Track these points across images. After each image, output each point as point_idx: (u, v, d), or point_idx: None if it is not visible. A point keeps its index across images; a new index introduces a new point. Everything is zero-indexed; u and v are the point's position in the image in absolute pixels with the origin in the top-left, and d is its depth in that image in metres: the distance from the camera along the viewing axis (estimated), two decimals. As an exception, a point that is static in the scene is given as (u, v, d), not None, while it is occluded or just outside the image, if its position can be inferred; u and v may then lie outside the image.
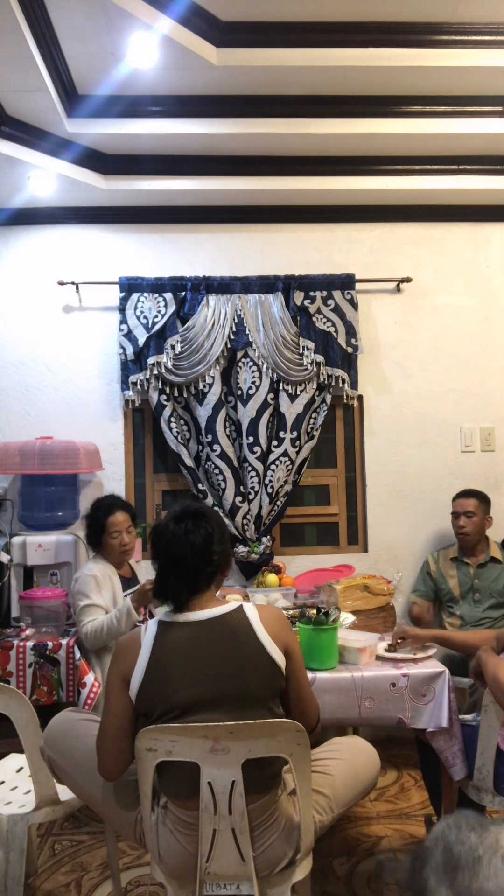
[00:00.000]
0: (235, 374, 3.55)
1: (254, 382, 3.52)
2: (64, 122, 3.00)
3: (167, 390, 3.53)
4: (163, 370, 3.48)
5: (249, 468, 3.51)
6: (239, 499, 3.50)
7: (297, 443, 3.54)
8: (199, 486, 3.53)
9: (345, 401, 3.67)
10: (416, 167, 3.49)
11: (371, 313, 3.75)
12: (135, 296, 3.54)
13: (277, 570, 3.44)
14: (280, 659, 1.69)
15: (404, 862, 1.38)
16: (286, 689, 1.74)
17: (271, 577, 3.36)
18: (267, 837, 1.63)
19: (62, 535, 3.30)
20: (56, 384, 3.64)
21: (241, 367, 3.53)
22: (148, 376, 3.50)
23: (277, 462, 3.51)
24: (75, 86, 2.96)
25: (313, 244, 3.75)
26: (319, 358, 3.54)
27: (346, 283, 3.62)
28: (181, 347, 3.49)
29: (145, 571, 3.34)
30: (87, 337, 3.66)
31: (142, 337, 3.50)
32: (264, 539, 3.51)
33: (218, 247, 3.71)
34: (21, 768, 2.37)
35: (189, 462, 3.52)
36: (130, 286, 3.55)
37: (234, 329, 3.52)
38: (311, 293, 3.58)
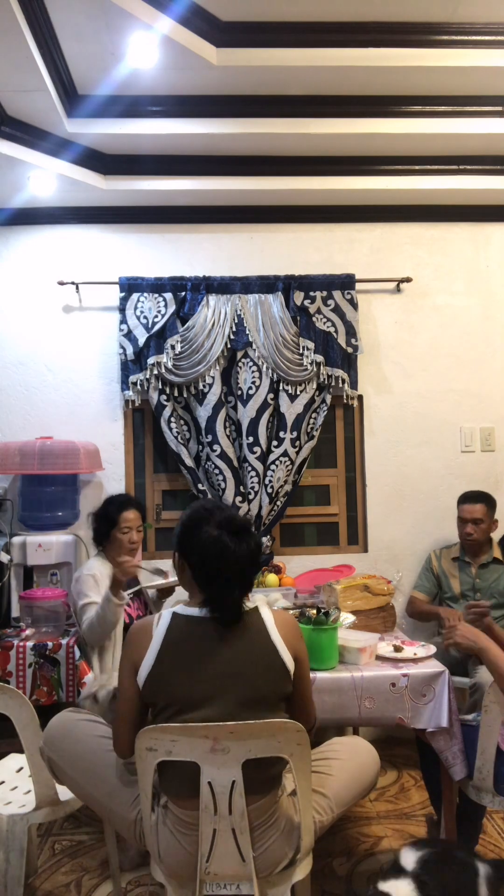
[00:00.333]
0: (235, 374, 3.55)
1: (254, 382, 3.52)
2: (64, 122, 3.00)
3: (167, 390, 3.53)
4: (163, 370, 3.48)
5: (249, 468, 3.51)
6: (239, 499, 3.50)
7: (297, 443, 3.54)
8: (199, 486, 3.53)
9: (345, 401, 3.67)
10: (416, 167, 3.49)
11: (371, 313, 3.75)
12: (135, 296, 3.54)
13: (277, 570, 3.44)
14: (290, 663, 1.69)
15: None
16: (292, 695, 1.75)
17: (271, 577, 3.36)
18: (267, 837, 1.63)
19: (62, 535, 3.30)
20: (56, 384, 3.64)
21: (241, 367, 3.53)
22: (148, 376, 3.50)
23: (277, 462, 3.51)
24: (75, 86, 2.96)
25: (313, 244, 3.75)
26: (319, 358, 3.54)
27: (346, 283, 3.62)
28: (181, 347, 3.49)
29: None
30: (87, 337, 3.66)
31: (142, 337, 3.50)
32: (264, 539, 3.51)
33: (218, 247, 3.71)
34: (21, 768, 2.37)
35: (189, 462, 3.52)
36: (130, 286, 3.55)
37: (234, 329, 3.52)
38: (311, 293, 3.58)
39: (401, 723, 2.20)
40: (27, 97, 2.77)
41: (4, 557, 3.20)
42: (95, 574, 2.82)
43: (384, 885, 1.46)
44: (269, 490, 3.51)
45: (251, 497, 3.51)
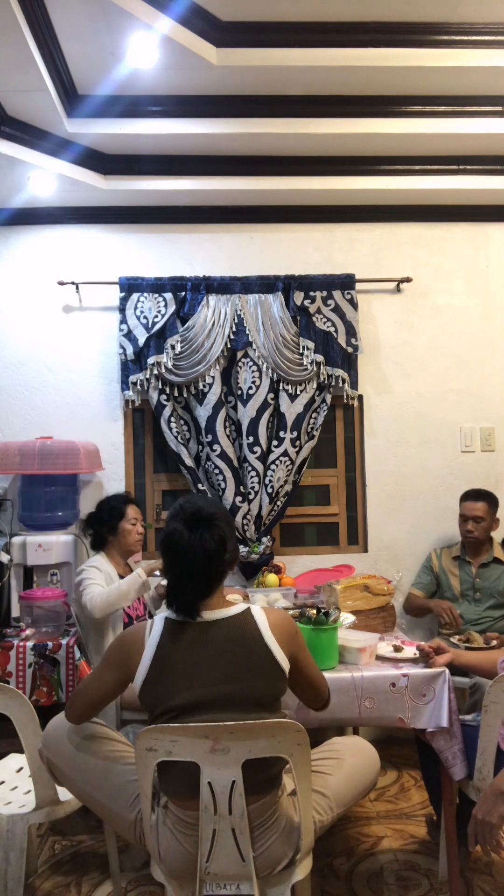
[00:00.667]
0: (235, 374, 3.55)
1: (254, 382, 3.52)
2: (64, 122, 3.00)
3: (167, 390, 3.53)
4: (163, 370, 3.48)
5: (249, 468, 3.51)
6: (239, 499, 3.50)
7: (297, 443, 3.54)
8: (199, 486, 3.53)
9: (345, 401, 3.67)
10: (416, 167, 3.49)
11: (371, 313, 3.75)
12: (135, 296, 3.54)
13: (277, 570, 3.44)
14: (285, 663, 1.69)
15: None
16: (299, 680, 1.77)
17: (271, 577, 3.36)
18: (267, 837, 1.63)
19: (62, 535, 3.30)
20: (56, 384, 3.64)
21: (241, 367, 3.53)
22: (148, 376, 3.50)
23: (277, 462, 3.51)
24: (75, 86, 2.96)
25: (313, 244, 3.75)
26: (319, 358, 3.54)
27: (346, 283, 3.62)
28: (181, 347, 3.49)
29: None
30: (87, 337, 3.66)
31: (142, 337, 3.50)
32: (264, 539, 3.51)
33: (218, 247, 3.71)
34: (21, 768, 2.37)
35: (189, 462, 3.52)
36: (130, 286, 3.55)
37: (234, 329, 3.52)
38: (311, 293, 3.58)
39: (401, 723, 2.20)
40: (27, 97, 2.77)
41: (4, 557, 3.20)
42: (99, 567, 2.82)
43: None
44: (270, 490, 3.51)
45: (251, 497, 3.51)
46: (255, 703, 1.64)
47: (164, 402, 3.52)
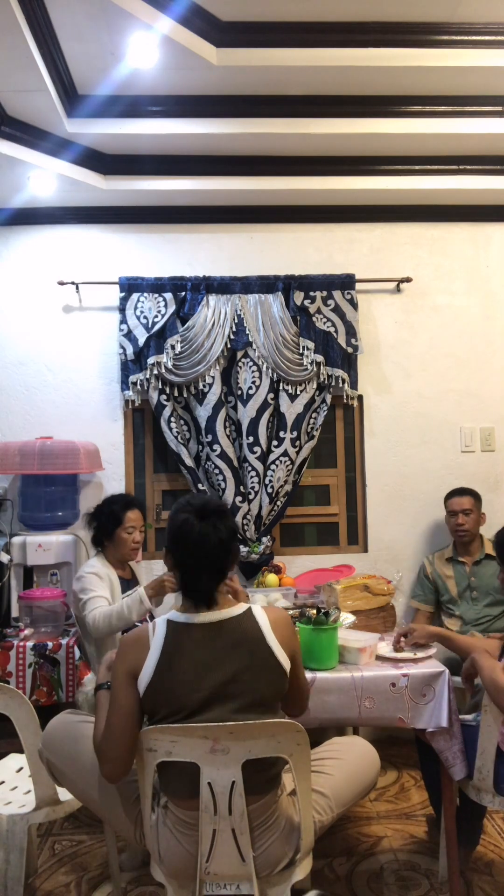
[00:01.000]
0: (235, 374, 3.55)
1: (254, 382, 3.52)
2: (64, 122, 3.00)
3: (167, 390, 3.53)
4: (163, 370, 3.48)
5: (249, 468, 3.51)
6: (239, 499, 3.50)
7: (297, 443, 3.54)
8: (199, 486, 3.53)
9: (345, 401, 3.67)
10: (416, 167, 3.49)
11: (371, 313, 3.75)
12: (135, 296, 3.54)
13: (277, 570, 3.44)
14: (286, 663, 1.70)
15: None
16: (291, 680, 1.76)
17: (271, 577, 3.36)
18: (267, 838, 1.63)
19: (62, 535, 3.30)
20: (56, 384, 3.64)
21: (241, 367, 3.53)
22: (148, 376, 3.50)
23: (277, 462, 3.51)
24: (75, 86, 2.96)
25: (313, 244, 3.75)
26: (319, 358, 3.54)
27: (346, 283, 3.62)
28: (181, 347, 3.49)
29: (145, 573, 3.34)
30: (87, 337, 3.66)
31: (142, 337, 3.50)
32: (264, 539, 3.51)
33: (218, 247, 3.71)
34: (21, 768, 2.37)
35: (189, 462, 3.52)
36: (130, 286, 3.55)
37: (234, 329, 3.52)
38: (311, 293, 3.58)
39: (401, 723, 2.20)
40: (27, 97, 2.77)
41: (4, 557, 3.20)
42: (98, 572, 2.81)
43: None
44: (270, 490, 3.51)
45: (251, 497, 3.51)
46: (259, 703, 1.64)
47: (164, 402, 3.52)
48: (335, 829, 2.60)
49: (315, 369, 3.54)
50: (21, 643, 2.84)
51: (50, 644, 2.83)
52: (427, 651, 2.37)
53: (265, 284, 3.58)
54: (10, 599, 3.24)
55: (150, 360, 3.49)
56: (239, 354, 3.53)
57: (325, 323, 3.57)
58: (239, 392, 3.54)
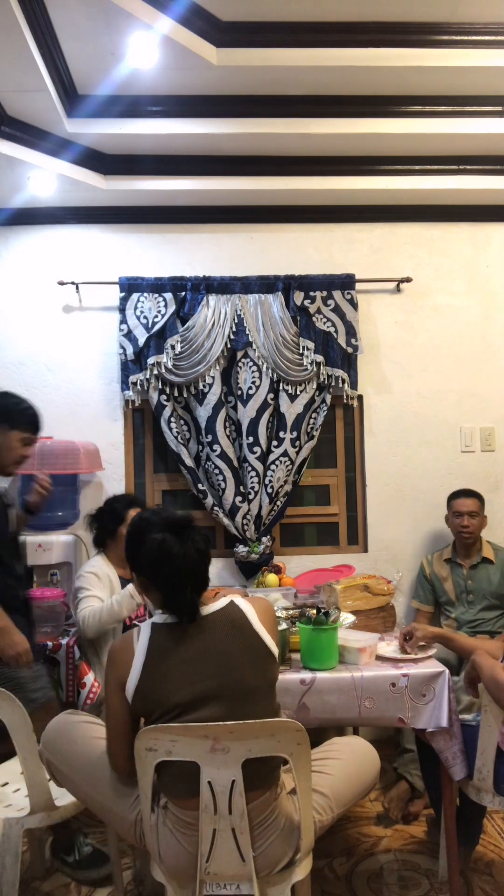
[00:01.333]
0: (235, 374, 3.55)
1: (254, 382, 3.52)
2: (64, 122, 3.00)
3: (167, 390, 3.53)
4: (163, 370, 3.48)
5: (249, 468, 3.51)
6: (239, 499, 3.50)
7: (297, 443, 3.54)
8: (199, 486, 3.53)
9: (345, 401, 3.67)
10: (416, 167, 3.49)
11: (371, 313, 3.75)
12: (135, 296, 3.54)
13: (277, 570, 3.44)
14: (274, 648, 1.72)
15: None
16: None
17: (271, 577, 3.36)
18: (267, 837, 1.63)
19: (62, 535, 3.30)
20: (56, 384, 3.64)
21: (241, 367, 3.53)
22: (148, 376, 3.50)
23: (277, 462, 3.51)
24: (75, 86, 2.96)
25: (313, 244, 3.75)
26: (319, 358, 3.54)
27: (346, 283, 3.62)
28: (181, 347, 3.49)
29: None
30: (87, 337, 3.66)
31: (142, 337, 3.50)
32: (264, 539, 3.51)
33: (218, 247, 3.71)
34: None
35: (189, 462, 3.52)
36: (130, 286, 3.55)
37: (234, 329, 3.52)
38: (311, 293, 3.58)
39: (401, 723, 2.20)
40: (27, 97, 2.78)
41: (4, 557, 3.19)
42: (97, 572, 2.82)
43: None
44: (269, 490, 3.51)
45: (251, 497, 3.51)
46: (252, 692, 1.66)
47: (164, 403, 3.52)
48: (335, 828, 2.60)
49: (315, 369, 3.54)
50: (21, 643, 2.83)
51: (50, 644, 2.83)
52: (427, 651, 2.37)
53: (265, 284, 3.58)
54: (10, 599, 3.23)
55: (150, 360, 3.49)
56: (239, 354, 3.53)
57: (325, 323, 3.57)
58: (239, 392, 3.54)
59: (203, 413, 3.49)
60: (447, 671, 2.23)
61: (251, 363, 3.53)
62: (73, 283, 3.58)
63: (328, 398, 3.60)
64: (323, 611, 2.31)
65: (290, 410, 3.53)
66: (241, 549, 3.49)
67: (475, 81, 3.01)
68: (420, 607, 3.41)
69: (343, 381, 3.59)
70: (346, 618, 2.54)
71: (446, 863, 2.26)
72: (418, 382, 3.75)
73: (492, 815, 2.70)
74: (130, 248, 3.69)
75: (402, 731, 2.87)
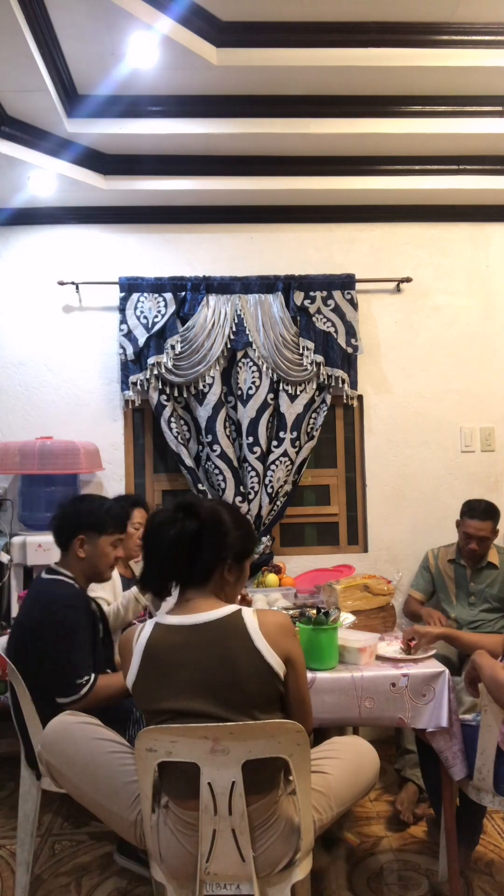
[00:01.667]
0: (235, 374, 3.55)
1: (254, 382, 3.52)
2: (64, 122, 3.00)
3: (167, 390, 3.53)
4: (163, 370, 3.48)
5: (249, 468, 3.51)
6: (239, 499, 3.50)
7: (297, 443, 3.54)
8: (199, 486, 3.53)
9: (345, 401, 3.67)
10: (416, 167, 3.49)
11: (371, 313, 3.75)
12: (135, 296, 3.54)
13: (277, 570, 3.44)
14: (278, 665, 1.64)
15: None
16: (286, 698, 1.71)
17: (271, 577, 3.36)
18: (267, 838, 1.63)
19: (62, 535, 3.29)
20: (56, 384, 3.64)
21: (241, 368, 3.53)
22: (148, 376, 3.50)
23: (277, 462, 3.51)
24: (75, 86, 2.96)
25: (313, 244, 3.75)
26: (319, 358, 3.54)
27: (346, 283, 3.62)
28: (181, 347, 3.49)
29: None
30: (87, 337, 3.66)
31: (142, 337, 3.50)
32: (264, 539, 3.51)
33: (218, 247, 3.71)
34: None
35: (189, 462, 3.52)
36: (130, 286, 3.55)
37: (234, 329, 3.52)
38: (311, 293, 3.58)
39: (401, 723, 2.20)
40: (27, 97, 2.77)
41: (4, 557, 3.20)
42: None
43: None
44: (269, 490, 3.51)
45: (251, 497, 3.51)
46: (250, 706, 1.62)
47: (164, 403, 3.52)
48: (335, 829, 2.60)
49: (315, 369, 3.54)
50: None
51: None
52: (427, 651, 2.37)
53: (265, 284, 3.58)
54: (10, 599, 3.24)
55: (150, 360, 3.49)
56: (239, 354, 3.53)
57: (325, 323, 3.57)
58: (239, 392, 3.54)
59: (203, 413, 3.49)
60: (447, 671, 2.23)
61: (251, 363, 3.53)
62: (73, 283, 3.58)
63: (328, 398, 3.60)
64: (323, 611, 2.31)
65: (290, 410, 3.53)
66: (241, 549, 3.48)
67: (475, 81, 3.01)
68: (414, 595, 3.41)
69: (343, 381, 3.59)
70: (346, 618, 2.54)
71: (446, 863, 2.26)
72: (418, 382, 3.75)
73: (492, 815, 2.70)
74: (130, 248, 3.69)
75: (402, 731, 2.87)
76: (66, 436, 3.49)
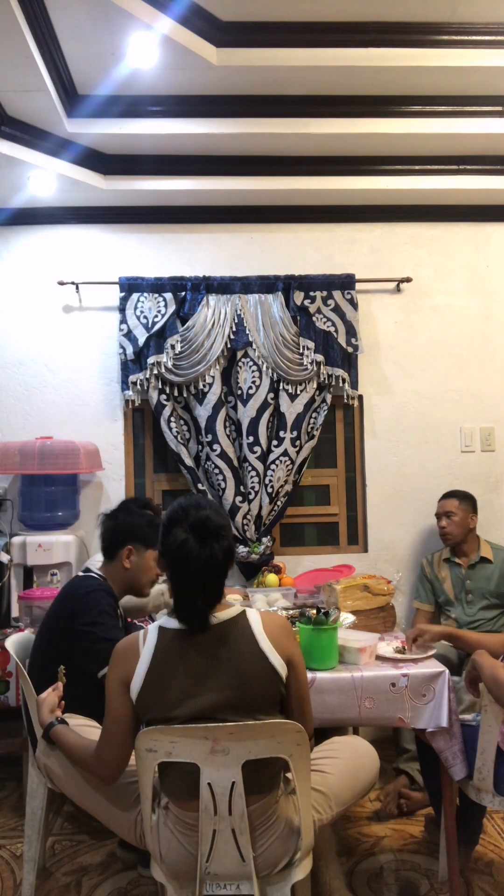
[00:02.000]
0: (235, 373, 3.55)
1: (254, 382, 3.52)
2: (64, 122, 3.00)
3: (167, 390, 3.53)
4: (163, 370, 3.48)
5: (249, 468, 3.51)
6: (239, 499, 3.50)
7: (297, 443, 3.54)
8: (199, 486, 3.53)
9: (345, 401, 3.67)
10: (416, 167, 3.49)
11: (371, 313, 3.75)
12: (135, 296, 3.54)
13: (277, 570, 3.44)
14: (281, 667, 1.65)
15: None
16: (287, 700, 1.72)
17: (271, 577, 3.36)
18: (267, 838, 1.63)
19: (62, 535, 3.30)
20: (56, 384, 3.64)
21: (241, 367, 3.53)
22: (148, 376, 3.50)
23: (277, 462, 3.51)
24: (75, 86, 2.96)
25: (313, 244, 3.75)
26: (319, 358, 3.54)
27: (346, 283, 3.62)
28: (181, 347, 3.49)
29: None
30: (87, 337, 3.66)
31: (142, 337, 3.50)
32: (264, 539, 3.51)
33: (218, 247, 3.71)
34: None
35: (189, 462, 3.52)
36: (130, 286, 3.55)
37: (234, 329, 3.52)
38: (311, 293, 3.58)
39: (401, 723, 2.20)
40: (27, 97, 2.77)
41: (4, 557, 3.20)
42: None
43: None
44: (269, 490, 3.51)
45: (251, 497, 3.51)
46: (254, 709, 1.62)
47: (164, 402, 3.52)
48: (335, 829, 2.60)
49: (315, 369, 3.54)
50: (21, 643, 2.84)
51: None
52: (427, 651, 2.37)
53: (265, 284, 3.58)
54: (10, 599, 3.24)
55: (150, 360, 3.49)
56: (239, 354, 3.53)
57: (325, 323, 3.57)
58: (239, 392, 3.54)
59: (203, 413, 3.49)
60: (447, 671, 2.23)
61: (251, 363, 3.53)
62: (73, 283, 3.58)
63: (328, 398, 3.60)
64: (323, 611, 2.31)
65: (290, 410, 3.53)
66: (242, 549, 3.49)
67: (475, 81, 3.01)
68: (420, 607, 3.41)
69: (343, 381, 3.59)
70: (346, 618, 2.54)
71: (446, 863, 2.26)
72: (418, 382, 3.75)
73: (492, 815, 2.70)
74: (130, 248, 3.69)
75: (401, 730, 2.87)
76: (66, 436, 3.49)
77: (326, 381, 3.58)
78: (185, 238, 3.70)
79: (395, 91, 3.07)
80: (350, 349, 3.59)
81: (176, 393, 3.54)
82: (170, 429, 3.51)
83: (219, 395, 3.50)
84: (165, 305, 3.52)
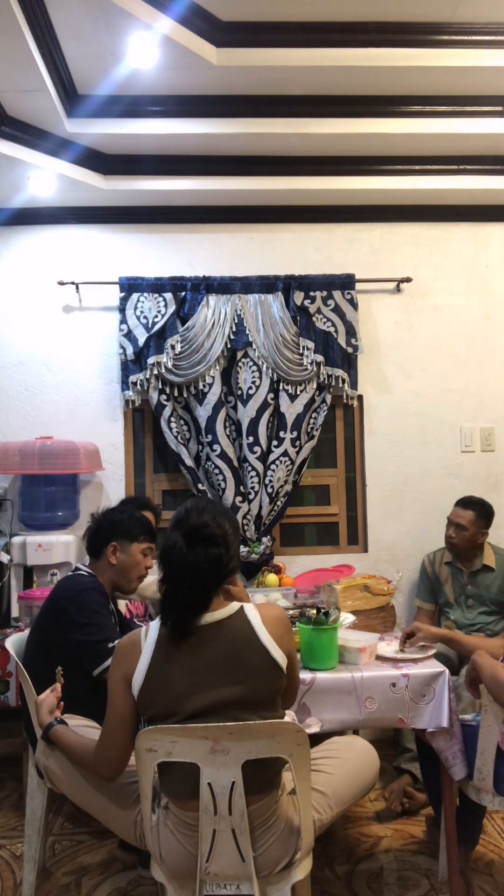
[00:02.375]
0: (235, 374, 3.55)
1: (254, 382, 3.52)
2: (64, 122, 3.00)
3: (167, 390, 3.53)
4: (163, 370, 3.48)
5: (249, 468, 3.51)
6: (239, 499, 3.50)
7: (297, 443, 3.54)
8: (199, 486, 3.53)
9: (345, 401, 3.67)
10: (416, 167, 3.49)
11: (371, 313, 3.75)
12: (135, 296, 3.54)
13: (277, 570, 3.44)
14: (282, 659, 1.67)
15: None
16: (289, 676, 1.74)
17: (271, 577, 3.36)
18: (267, 838, 1.63)
19: (62, 535, 3.30)
20: (56, 384, 3.64)
21: (241, 367, 3.53)
22: (148, 376, 3.50)
23: (277, 462, 3.51)
24: (75, 86, 2.96)
25: (313, 244, 3.75)
26: (319, 358, 3.54)
27: (346, 283, 3.62)
28: (181, 347, 3.49)
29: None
30: (87, 337, 3.66)
31: (142, 337, 3.50)
32: (264, 539, 3.51)
33: (218, 247, 3.71)
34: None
35: (189, 462, 3.52)
36: (130, 286, 3.55)
37: (234, 329, 3.52)
38: (311, 293, 3.58)
39: (401, 723, 2.20)
40: (27, 97, 2.77)
41: (4, 557, 3.20)
42: None
43: None
44: (270, 490, 3.51)
45: (251, 497, 3.51)
46: (257, 704, 1.63)
47: (164, 402, 3.52)
48: (335, 828, 2.60)
49: (315, 369, 3.54)
50: (21, 643, 2.84)
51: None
52: (427, 651, 2.37)
53: (265, 284, 3.58)
54: (10, 599, 3.24)
55: (150, 360, 3.49)
56: (239, 354, 3.53)
57: (325, 323, 3.57)
58: (239, 392, 3.54)
59: (203, 413, 3.49)
60: (447, 671, 2.23)
61: (251, 363, 3.53)
62: (73, 283, 3.58)
63: (328, 398, 3.60)
64: (323, 611, 2.31)
65: (290, 410, 3.53)
66: (242, 549, 3.48)
67: (475, 81, 3.01)
68: (422, 605, 3.40)
69: (343, 381, 3.59)
70: (346, 618, 2.54)
71: (446, 863, 2.26)
72: (418, 382, 3.75)
73: (492, 815, 2.70)
74: (130, 248, 3.69)
75: (401, 730, 2.87)
76: (66, 436, 3.48)
77: (326, 382, 3.58)
78: (185, 238, 3.70)
79: (395, 91, 3.07)
80: (350, 349, 3.59)
81: (176, 393, 3.54)
82: (170, 429, 3.51)
83: (219, 396, 3.50)
84: (165, 305, 3.52)
